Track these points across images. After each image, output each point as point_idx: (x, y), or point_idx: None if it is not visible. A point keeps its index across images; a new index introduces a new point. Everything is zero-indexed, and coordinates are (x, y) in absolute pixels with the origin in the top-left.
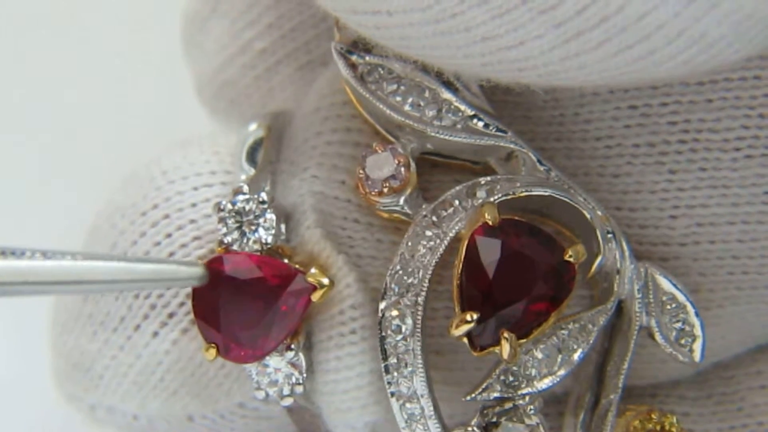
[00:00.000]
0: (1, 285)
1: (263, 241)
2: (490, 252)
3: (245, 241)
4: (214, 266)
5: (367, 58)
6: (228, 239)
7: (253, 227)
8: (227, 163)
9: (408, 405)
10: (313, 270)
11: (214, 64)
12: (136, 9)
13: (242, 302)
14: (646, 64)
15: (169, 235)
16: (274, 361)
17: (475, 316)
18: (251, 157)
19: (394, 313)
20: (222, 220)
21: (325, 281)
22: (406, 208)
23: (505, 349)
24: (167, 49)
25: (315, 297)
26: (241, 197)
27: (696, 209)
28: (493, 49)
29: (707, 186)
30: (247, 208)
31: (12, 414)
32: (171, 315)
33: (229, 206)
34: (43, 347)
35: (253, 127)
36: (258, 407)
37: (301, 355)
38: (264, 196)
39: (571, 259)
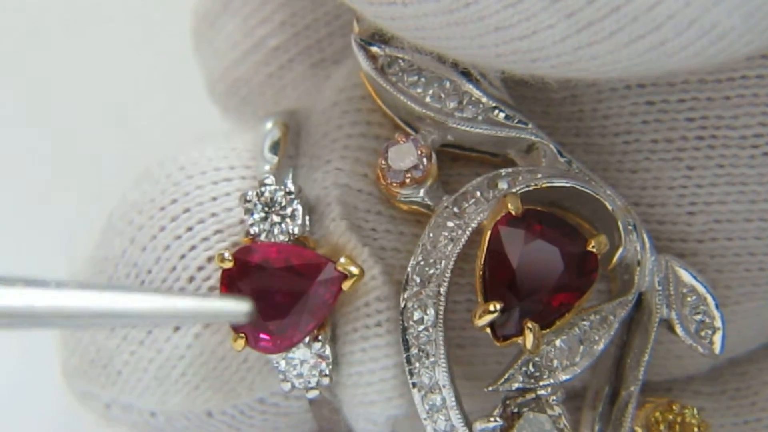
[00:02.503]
0: (39, 318)
1: (291, 231)
2: (514, 242)
3: (273, 231)
4: (242, 256)
5: (387, 50)
6: (255, 229)
7: (280, 218)
8: (245, 158)
9: (430, 396)
10: (342, 259)
11: (226, 62)
12: (143, 10)
13: (271, 292)
14: (658, 54)
15: (190, 229)
16: (300, 352)
17: (498, 306)
18: (272, 150)
19: (416, 303)
20: (249, 210)
21: (355, 270)
22: (426, 199)
23: (529, 339)
24: (176, 50)
25: (345, 286)
26: (268, 188)
27: (713, 206)
28: (507, 39)
29: (725, 183)
30: (274, 198)
31: (17, 417)
32: None
33: (256, 197)
34: (48, 350)
35: (269, 124)
36: (278, 403)
37: (327, 346)
38: (291, 186)
39: (594, 250)
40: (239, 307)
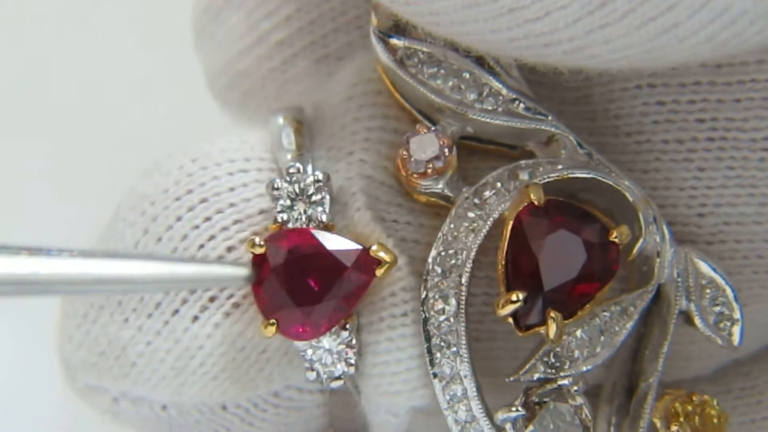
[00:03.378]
0: (43, 285)
1: (319, 219)
2: (537, 232)
3: (301, 219)
4: (274, 242)
5: (407, 42)
6: (283, 216)
7: (309, 205)
8: (260, 150)
9: (451, 386)
10: (374, 246)
11: (228, 55)
12: (143, 6)
13: (304, 277)
14: (669, 38)
15: (208, 219)
16: (327, 341)
17: (521, 296)
18: (289, 141)
19: (438, 294)
20: (276, 198)
21: (388, 257)
22: (446, 190)
23: (552, 328)
24: (177, 49)
25: (378, 273)
26: (297, 175)
27: (723, 207)
28: (520, 22)
29: (735, 185)
30: (303, 186)
31: (16, 416)
32: (212, 299)
33: (285, 184)
34: (47, 349)
35: (280, 119)
36: (292, 396)
37: (354, 335)
38: (320, 175)
39: (617, 240)
40: (238, 271)
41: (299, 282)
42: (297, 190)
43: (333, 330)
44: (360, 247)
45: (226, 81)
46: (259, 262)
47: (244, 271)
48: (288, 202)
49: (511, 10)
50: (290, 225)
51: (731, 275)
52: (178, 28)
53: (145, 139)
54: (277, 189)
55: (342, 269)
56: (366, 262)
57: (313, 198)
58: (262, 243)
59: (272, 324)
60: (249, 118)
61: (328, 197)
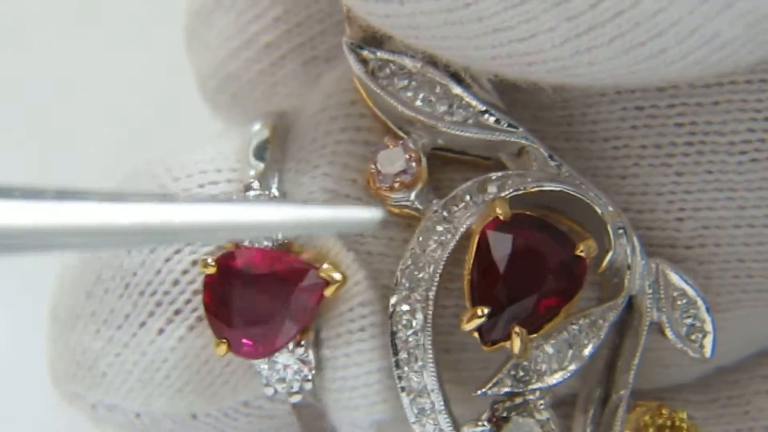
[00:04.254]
0: (177, 233)
1: (276, 236)
2: (501, 247)
3: None
4: (224, 261)
5: (379, 53)
6: None
7: None
8: (232, 161)
9: (419, 400)
10: (325, 265)
11: (217, 58)
12: (137, 7)
13: (254, 297)
14: (657, 62)
15: None
16: (283, 357)
17: (486, 311)
18: (258, 154)
19: (405, 308)
20: None
21: (338, 276)
22: (416, 203)
23: (516, 343)
24: (168, 49)
25: (327, 292)
26: (252, 193)
27: (702, 212)
28: (504, 41)
29: (713, 189)
30: None
31: (15, 414)
32: (177, 312)
33: None
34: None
35: (257, 126)
36: (262, 405)
37: (310, 351)
38: (276, 191)
39: (582, 254)
40: (372, 213)
41: (249, 301)
42: None
43: (289, 346)
44: (310, 267)
45: (216, 84)
46: (211, 282)
47: (379, 213)
48: None
49: (496, 30)
50: (246, 243)
51: (711, 279)
52: (172, 29)
53: (139, 143)
54: None
55: (291, 290)
56: (316, 281)
57: None
58: (213, 263)
59: (224, 342)
60: (238, 121)
61: None
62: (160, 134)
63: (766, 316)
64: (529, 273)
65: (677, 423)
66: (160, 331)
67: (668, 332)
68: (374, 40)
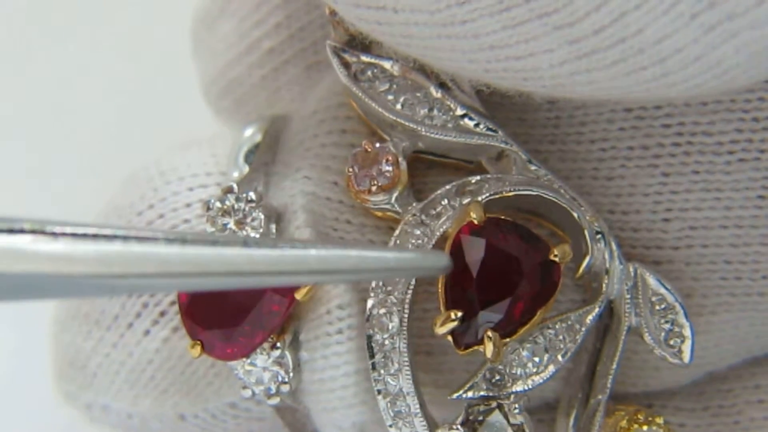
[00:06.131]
0: (259, 276)
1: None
2: (475, 251)
3: None
4: None
5: (362, 57)
6: None
7: (241, 226)
8: (223, 164)
9: (396, 402)
10: None
11: (221, 63)
12: (142, 9)
13: (227, 300)
14: (658, 85)
15: None
16: (260, 359)
17: (459, 315)
18: (248, 158)
19: (382, 311)
20: (210, 218)
21: None
22: (396, 206)
23: (489, 347)
24: (172, 51)
25: (299, 295)
26: (230, 196)
27: (689, 212)
28: (501, 58)
29: (700, 189)
30: (236, 206)
31: (16, 414)
32: (162, 313)
33: (218, 204)
34: (46, 346)
35: (249, 130)
36: (250, 408)
37: (287, 353)
38: (252, 195)
39: (557, 259)
40: (438, 260)
41: (221, 304)
42: (230, 211)
43: (266, 349)
44: None
45: (219, 89)
46: None
47: (443, 260)
48: (221, 223)
49: (492, 47)
50: None
51: (698, 281)
52: (182, 30)
53: (139, 143)
54: (211, 209)
55: (262, 292)
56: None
57: (246, 219)
58: None
59: (198, 344)
60: (241, 126)
61: (261, 218)
62: (160, 134)
63: (756, 320)
64: (503, 277)
65: (654, 428)
66: (146, 333)
67: (646, 337)
68: (360, 43)
